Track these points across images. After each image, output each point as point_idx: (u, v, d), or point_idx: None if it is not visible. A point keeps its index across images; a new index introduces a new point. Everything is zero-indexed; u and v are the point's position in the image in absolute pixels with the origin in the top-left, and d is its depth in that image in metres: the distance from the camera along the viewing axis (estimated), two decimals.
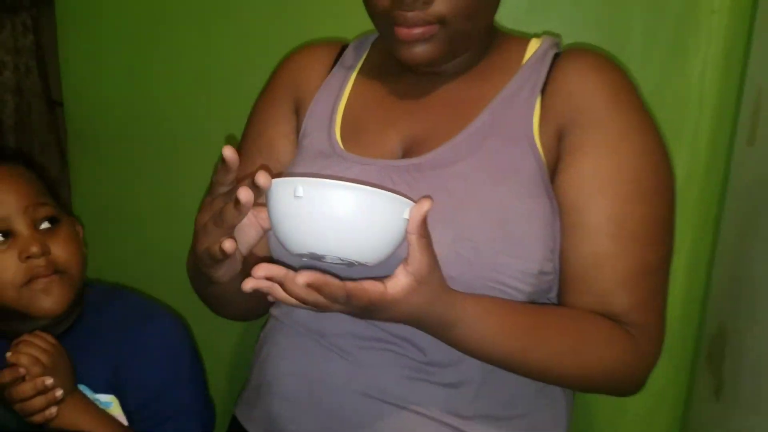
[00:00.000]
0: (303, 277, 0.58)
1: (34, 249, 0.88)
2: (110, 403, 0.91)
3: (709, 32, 1.17)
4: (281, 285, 0.62)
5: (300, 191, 0.60)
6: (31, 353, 0.82)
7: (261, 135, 0.92)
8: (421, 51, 0.76)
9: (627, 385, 0.80)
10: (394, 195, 0.62)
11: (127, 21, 1.43)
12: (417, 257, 0.61)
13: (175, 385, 0.95)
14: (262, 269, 0.61)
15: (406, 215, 0.61)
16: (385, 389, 0.78)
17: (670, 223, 0.80)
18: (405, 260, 0.62)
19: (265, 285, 0.62)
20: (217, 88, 1.38)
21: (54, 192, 0.99)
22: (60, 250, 0.91)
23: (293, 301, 0.63)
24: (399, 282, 0.62)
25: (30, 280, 0.88)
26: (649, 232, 0.76)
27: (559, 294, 0.81)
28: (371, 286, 0.61)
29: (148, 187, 1.45)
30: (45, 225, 0.91)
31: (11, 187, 0.90)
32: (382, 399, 0.77)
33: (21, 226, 0.89)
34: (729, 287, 1.12)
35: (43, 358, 0.83)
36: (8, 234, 0.89)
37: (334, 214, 0.59)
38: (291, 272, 0.61)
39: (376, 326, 0.78)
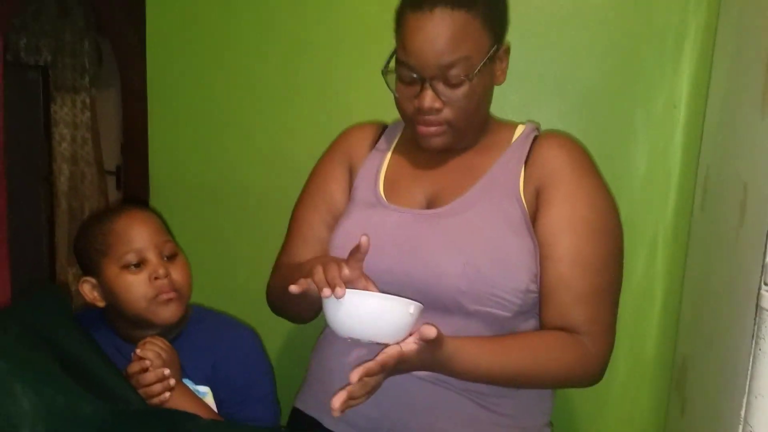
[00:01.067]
0: (354, 376, 0.88)
1: (161, 272, 1.16)
2: (206, 392, 1.18)
3: (672, 123, 1.49)
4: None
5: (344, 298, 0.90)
6: (155, 350, 1.10)
7: (320, 188, 1.22)
8: (435, 142, 1.09)
9: (584, 379, 1.07)
10: (403, 300, 0.92)
11: (209, 93, 1.75)
12: (424, 336, 0.90)
13: (257, 379, 1.22)
14: (337, 398, 0.89)
15: (411, 310, 0.91)
16: (425, 373, 1.03)
17: (616, 257, 1.08)
18: (417, 333, 0.91)
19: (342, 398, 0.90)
20: (285, 155, 1.70)
21: (169, 230, 1.28)
22: (177, 275, 1.19)
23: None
24: (410, 346, 0.91)
25: (156, 295, 1.17)
26: (597, 262, 1.05)
27: (539, 311, 1.08)
28: (391, 350, 0.90)
29: (219, 238, 1.76)
30: (167, 257, 1.21)
31: (146, 227, 1.19)
32: (418, 377, 1.04)
33: (152, 256, 1.18)
34: (690, 328, 1.40)
35: (163, 354, 1.11)
36: (142, 261, 1.18)
37: (364, 315, 0.91)
38: (349, 386, 0.89)
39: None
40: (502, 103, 1.27)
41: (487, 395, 1.06)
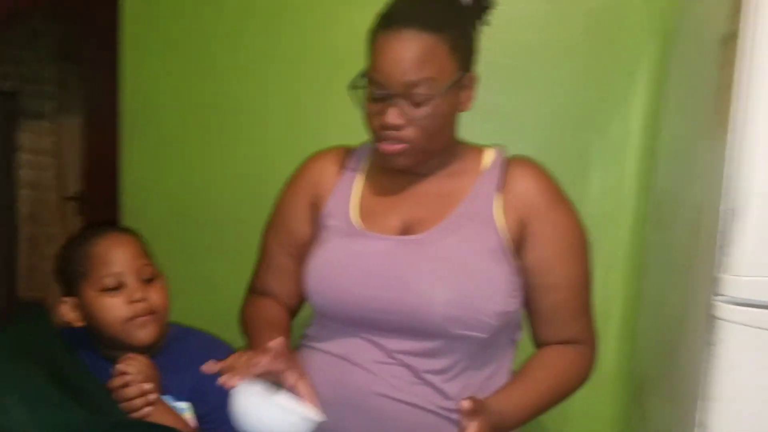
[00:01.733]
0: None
1: (138, 295, 1.18)
2: (185, 409, 1.19)
3: (627, 151, 1.60)
4: None
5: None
6: (136, 366, 1.12)
7: (283, 219, 1.25)
8: (398, 161, 1.12)
9: (583, 380, 1.18)
10: (294, 407, 0.98)
11: (183, 117, 1.79)
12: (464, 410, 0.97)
13: None
14: None
15: (294, 419, 0.97)
16: (396, 390, 1.09)
17: (590, 269, 1.18)
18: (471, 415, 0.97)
19: None
20: (259, 177, 1.74)
21: (149, 252, 1.30)
22: (155, 298, 1.21)
23: None
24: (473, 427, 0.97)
25: (132, 318, 1.18)
26: (584, 280, 1.16)
27: (533, 328, 1.17)
28: None
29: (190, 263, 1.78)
30: (145, 278, 1.23)
31: (126, 250, 1.21)
32: (394, 398, 1.08)
33: (130, 279, 1.20)
34: (647, 343, 1.48)
35: (144, 370, 1.13)
36: (121, 285, 1.20)
37: (250, 410, 0.97)
38: None
39: (385, 351, 1.10)
40: (468, 130, 1.34)
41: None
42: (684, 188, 1.31)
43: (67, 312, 1.21)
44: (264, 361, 1.01)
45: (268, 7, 1.73)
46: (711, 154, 1.10)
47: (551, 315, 1.15)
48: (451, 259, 1.08)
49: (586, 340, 1.18)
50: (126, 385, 1.10)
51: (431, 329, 1.07)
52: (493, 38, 1.57)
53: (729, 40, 1.05)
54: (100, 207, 2.05)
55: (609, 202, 1.60)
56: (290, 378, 1.03)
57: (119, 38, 1.82)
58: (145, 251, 1.25)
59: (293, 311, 1.27)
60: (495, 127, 1.61)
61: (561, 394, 1.14)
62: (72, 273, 1.20)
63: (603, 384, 1.63)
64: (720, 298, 1.02)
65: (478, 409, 0.97)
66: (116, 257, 1.19)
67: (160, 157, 1.82)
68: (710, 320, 1.03)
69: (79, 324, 1.21)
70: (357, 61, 1.72)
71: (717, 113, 1.10)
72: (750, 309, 0.99)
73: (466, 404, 0.95)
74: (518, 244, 1.12)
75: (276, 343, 1.03)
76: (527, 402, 1.09)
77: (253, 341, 1.15)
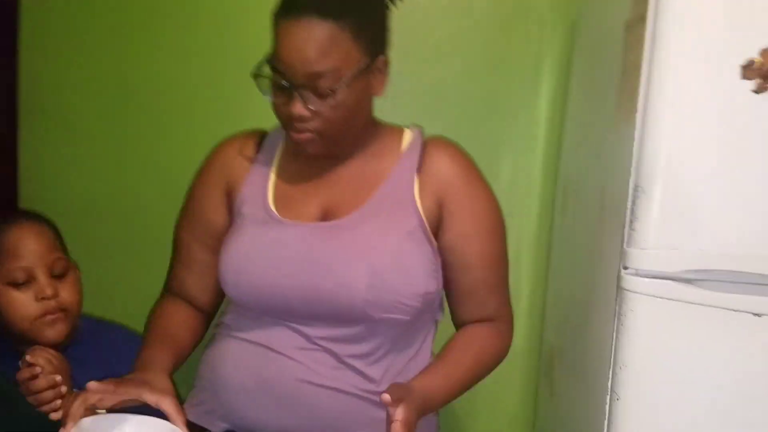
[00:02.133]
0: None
1: (48, 292, 1.12)
2: None
3: (533, 138, 1.66)
4: None
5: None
6: (45, 356, 1.05)
7: (196, 211, 1.20)
8: (308, 148, 1.09)
9: (502, 357, 1.20)
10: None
11: (84, 101, 1.71)
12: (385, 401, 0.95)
13: None
14: None
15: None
16: (319, 376, 1.08)
17: (506, 246, 1.20)
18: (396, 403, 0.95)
19: None
20: (162, 175, 1.69)
21: (62, 243, 1.21)
22: (66, 294, 1.15)
23: None
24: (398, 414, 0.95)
25: (41, 315, 1.12)
26: (499, 257, 1.17)
27: (452, 306, 1.18)
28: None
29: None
30: (56, 274, 1.15)
31: (36, 241, 1.14)
32: (316, 383, 1.07)
33: (40, 274, 1.13)
34: (555, 320, 1.55)
35: (54, 361, 1.05)
36: (30, 279, 1.12)
37: None
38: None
39: (307, 338, 1.08)
40: (378, 115, 1.34)
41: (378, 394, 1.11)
42: (589, 171, 1.37)
43: None
44: (93, 399, 0.94)
45: None
46: (617, 136, 1.15)
47: (470, 292, 1.16)
48: (371, 244, 1.07)
49: (504, 317, 1.20)
50: (35, 376, 1.03)
51: (353, 315, 1.06)
52: (401, 24, 1.60)
53: (634, 25, 1.11)
54: None
55: (518, 186, 1.66)
56: (150, 399, 0.96)
57: (17, 19, 1.71)
58: (57, 243, 1.18)
59: (212, 310, 1.22)
60: (405, 112, 1.60)
61: (482, 372, 1.16)
62: None
63: (512, 361, 1.66)
64: (627, 270, 1.07)
65: (402, 395, 0.97)
66: (27, 249, 1.13)
67: (61, 147, 1.73)
68: (619, 292, 1.08)
69: None
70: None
71: (621, 97, 1.15)
72: (655, 280, 1.05)
73: (386, 397, 0.95)
74: (437, 224, 1.13)
75: (92, 385, 0.95)
76: (451, 383, 1.10)
77: (141, 353, 1.09)
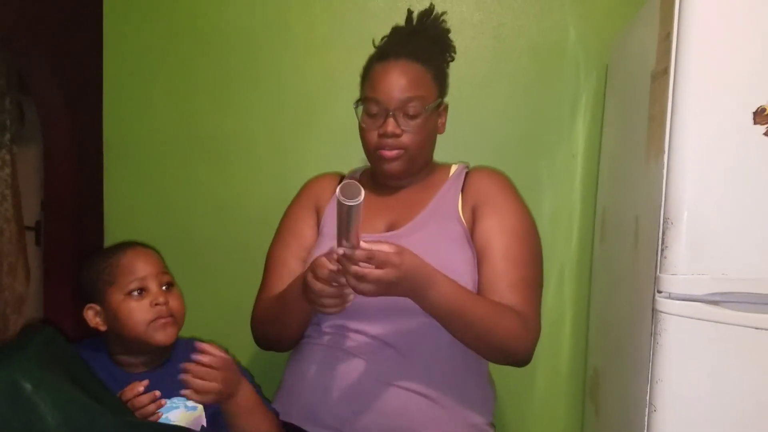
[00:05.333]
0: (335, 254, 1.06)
1: (161, 299, 1.29)
2: (196, 407, 1.27)
3: (572, 172, 1.79)
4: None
5: None
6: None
7: (291, 228, 1.40)
8: (394, 165, 1.31)
9: (518, 352, 1.23)
10: None
11: (163, 148, 1.90)
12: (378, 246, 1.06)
13: None
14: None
15: None
16: (388, 375, 1.23)
17: (536, 257, 1.31)
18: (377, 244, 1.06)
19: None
20: (236, 206, 1.88)
21: (166, 266, 1.38)
22: (173, 303, 1.32)
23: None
24: (385, 246, 1.06)
25: (155, 319, 1.28)
26: (523, 258, 1.28)
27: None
28: (380, 246, 1.05)
29: None
30: (165, 287, 1.33)
31: (148, 260, 1.33)
32: (387, 382, 1.23)
33: (152, 285, 1.31)
34: (598, 343, 1.67)
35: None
36: (144, 289, 1.31)
37: None
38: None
39: (374, 338, 1.24)
40: (436, 152, 1.50)
41: (441, 395, 1.25)
42: (624, 203, 1.50)
43: (92, 317, 1.31)
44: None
45: (247, 46, 1.86)
46: (648, 173, 1.29)
47: (490, 282, 1.25)
48: (424, 248, 1.21)
49: (524, 315, 1.23)
50: (138, 394, 1.19)
51: (413, 307, 1.18)
52: (451, 71, 1.76)
53: (658, 77, 1.25)
54: (58, 236, 2.10)
55: (560, 218, 1.79)
56: None
57: (102, 69, 1.92)
58: (164, 264, 1.37)
59: None
60: (451, 151, 1.76)
61: (487, 329, 1.19)
62: (99, 281, 1.31)
63: (558, 384, 1.81)
64: (661, 294, 1.20)
65: (397, 250, 1.08)
66: (140, 265, 1.31)
67: (140, 189, 1.92)
68: (654, 314, 1.20)
69: (102, 329, 1.31)
70: (330, 100, 1.89)
71: (650, 138, 1.29)
72: (686, 302, 1.17)
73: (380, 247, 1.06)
74: (473, 228, 1.31)
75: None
76: (456, 299, 1.16)
77: (288, 294, 1.25)
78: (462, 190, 1.35)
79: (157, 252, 1.36)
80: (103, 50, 1.92)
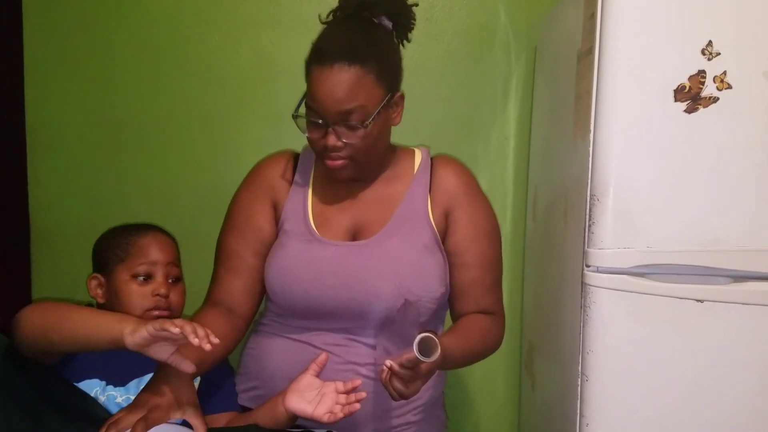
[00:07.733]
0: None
1: (163, 291, 1.27)
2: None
3: (505, 153, 1.83)
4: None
5: None
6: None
7: (247, 220, 1.31)
8: (341, 173, 1.26)
9: (496, 346, 1.34)
10: None
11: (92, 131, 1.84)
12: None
13: (226, 374, 1.34)
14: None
15: None
16: (355, 363, 1.24)
17: (500, 249, 1.36)
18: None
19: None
20: (163, 198, 1.83)
21: (179, 259, 1.35)
22: (174, 297, 1.30)
23: None
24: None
25: (151, 309, 1.26)
26: (495, 260, 1.33)
27: (451, 302, 1.32)
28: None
29: None
30: (171, 279, 1.30)
31: (164, 247, 1.30)
32: (355, 371, 1.24)
33: (159, 274, 1.28)
34: (531, 318, 1.71)
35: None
36: (150, 276, 1.28)
37: None
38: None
39: (347, 337, 1.25)
40: None
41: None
42: (554, 181, 1.54)
43: (94, 287, 1.30)
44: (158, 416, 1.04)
45: (175, 26, 1.81)
46: (575, 151, 1.32)
47: (468, 289, 1.30)
48: (396, 258, 1.25)
49: (498, 313, 1.34)
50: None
51: (383, 319, 1.23)
52: None
53: (584, 57, 1.28)
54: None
55: (494, 196, 1.81)
56: (177, 416, 1.07)
57: (23, 55, 1.84)
58: (178, 256, 1.34)
59: (251, 316, 1.33)
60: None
61: (483, 351, 1.30)
62: (111, 255, 1.29)
63: (496, 359, 1.83)
64: (589, 268, 1.24)
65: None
66: (153, 251, 1.29)
67: (66, 177, 1.85)
68: (583, 287, 1.25)
69: (100, 300, 1.30)
70: (263, 80, 1.85)
71: (577, 118, 1.33)
72: (613, 275, 1.22)
73: (409, 356, 1.05)
74: (444, 232, 1.31)
75: (124, 418, 1.03)
76: (462, 348, 1.22)
77: None
78: (430, 190, 1.31)
79: (176, 243, 1.34)
80: (23, 32, 1.83)
